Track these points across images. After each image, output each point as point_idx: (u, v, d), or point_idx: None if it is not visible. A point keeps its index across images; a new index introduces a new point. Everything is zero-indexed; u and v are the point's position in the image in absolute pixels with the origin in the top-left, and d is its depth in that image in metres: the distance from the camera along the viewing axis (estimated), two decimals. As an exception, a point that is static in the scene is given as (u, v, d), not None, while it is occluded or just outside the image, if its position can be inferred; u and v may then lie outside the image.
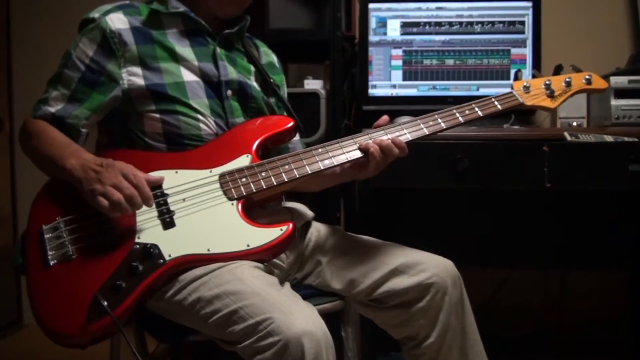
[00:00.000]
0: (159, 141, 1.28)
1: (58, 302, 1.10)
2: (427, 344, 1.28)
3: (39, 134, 1.23)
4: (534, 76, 1.39)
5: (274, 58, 1.55)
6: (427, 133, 1.28)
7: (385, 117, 1.31)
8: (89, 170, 1.13)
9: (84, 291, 1.08)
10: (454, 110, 1.30)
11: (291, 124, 1.34)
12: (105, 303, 1.06)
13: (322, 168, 1.24)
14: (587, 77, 1.37)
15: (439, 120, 1.29)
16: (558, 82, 1.36)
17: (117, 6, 1.31)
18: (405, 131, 1.28)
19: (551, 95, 1.35)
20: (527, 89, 1.34)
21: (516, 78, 1.38)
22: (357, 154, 1.26)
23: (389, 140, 1.24)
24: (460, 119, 1.30)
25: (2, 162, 2.63)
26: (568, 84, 1.36)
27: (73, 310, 1.08)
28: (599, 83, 1.38)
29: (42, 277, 1.12)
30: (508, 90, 1.36)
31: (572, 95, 1.37)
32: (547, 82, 1.35)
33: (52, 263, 1.12)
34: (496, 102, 1.32)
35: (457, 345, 1.29)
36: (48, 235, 1.15)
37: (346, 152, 1.26)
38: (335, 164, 1.25)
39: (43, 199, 1.22)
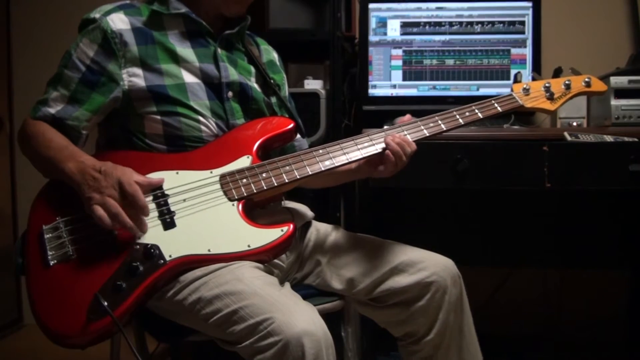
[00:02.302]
0: (160, 142, 1.27)
1: (58, 302, 1.10)
2: (426, 340, 1.29)
3: (38, 135, 1.23)
4: (533, 79, 1.40)
5: (274, 56, 1.55)
6: (427, 135, 1.28)
7: (408, 116, 1.33)
8: (88, 177, 1.13)
9: (84, 291, 1.08)
10: (454, 112, 1.31)
11: (291, 125, 1.34)
12: (106, 303, 1.06)
13: (322, 169, 1.24)
14: (586, 79, 1.38)
15: (439, 122, 1.30)
16: (557, 85, 1.37)
17: (118, 6, 1.31)
18: (406, 132, 1.28)
19: (551, 97, 1.35)
20: (527, 91, 1.35)
21: (516, 80, 1.39)
22: (358, 155, 1.26)
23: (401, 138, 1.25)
24: (461, 120, 1.30)
25: (2, 162, 2.63)
26: (567, 87, 1.37)
27: (73, 310, 1.08)
28: (598, 86, 1.39)
29: (42, 277, 1.12)
30: (508, 90, 1.37)
31: (571, 97, 1.38)
32: (547, 85, 1.36)
33: (52, 263, 1.12)
34: (496, 104, 1.33)
35: (455, 344, 1.30)
36: (48, 236, 1.15)
37: (347, 153, 1.26)
38: (336, 165, 1.25)
39: (43, 199, 1.22)
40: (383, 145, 1.25)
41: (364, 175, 1.35)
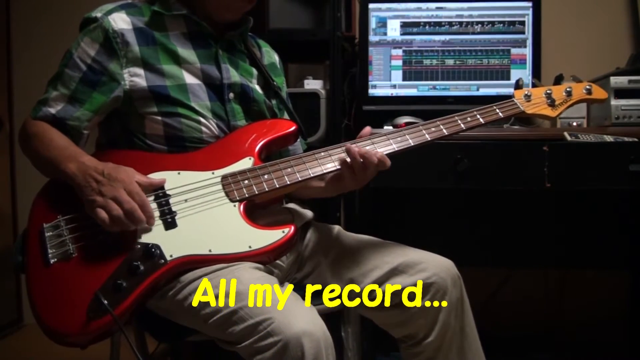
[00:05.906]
0: (160, 143, 1.27)
1: (58, 300, 1.10)
2: (426, 342, 1.28)
3: (38, 136, 1.23)
4: (534, 85, 1.40)
5: (276, 59, 1.55)
6: (429, 139, 1.29)
7: (367, 129, 1.31)
8: (90, 179, 1.13)
9: (85, 290, 1.08)
10: (456, 117, 1.31)
11: (293, 128, 1.34)
12: (106, 302, 1.06)
13: (324, 171, 1.25)
14: (587, 87, 1.38)
15: (441, 127, 1.30)
16: (559, 92, 1.37)
17: (120, 5, 1.31)
18: (408, 137, 1.28)
19: (552, 104, 1.36)
20: (528, 97, 1.36)
21: (517, 86, 1.39)
22: None
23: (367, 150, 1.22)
24: (462, 125, 1.31)
25: (2, 162, 2.64)
26: (569, 94, 1.37)
27: (73, 308, 1.07)
28: (599, 93, 1.39)
29: (42, 276, 1.12)
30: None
31: (572, 104, 1.38)
32: (548, 92, 1.37)
33: (52, 261, 1.12)
34: (498, 110, 1.34)
35: (456, 345, 1.29)
36: (49, 234, 1.14)
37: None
38: (338, 167, 1.25)
39: (44, 197, 1.22)
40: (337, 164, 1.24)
41: (333, 192, 1.35)
